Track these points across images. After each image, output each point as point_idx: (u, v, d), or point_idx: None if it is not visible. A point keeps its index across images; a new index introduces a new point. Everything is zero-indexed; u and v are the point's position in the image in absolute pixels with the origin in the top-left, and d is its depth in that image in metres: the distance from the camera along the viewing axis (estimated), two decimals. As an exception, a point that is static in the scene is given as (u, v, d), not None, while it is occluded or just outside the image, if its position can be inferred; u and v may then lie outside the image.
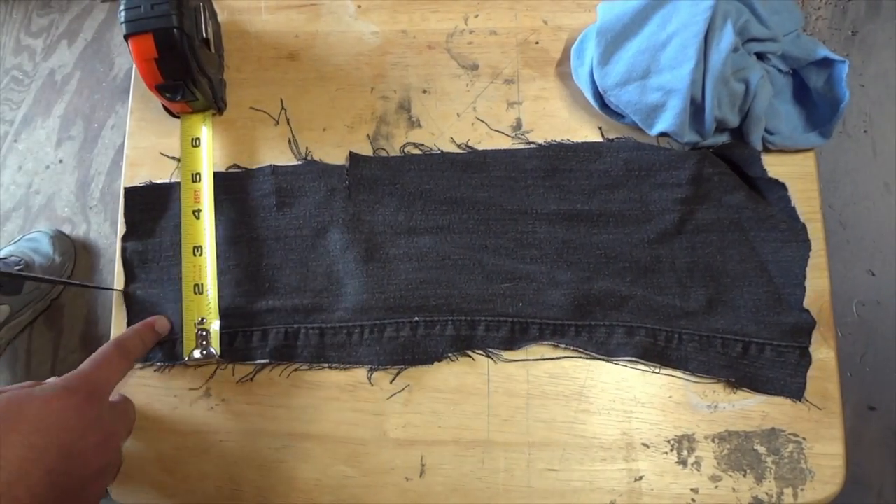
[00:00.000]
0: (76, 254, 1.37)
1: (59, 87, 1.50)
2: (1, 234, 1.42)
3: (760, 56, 0.59)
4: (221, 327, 0.59)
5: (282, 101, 0.65)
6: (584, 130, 0.63)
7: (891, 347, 1.18)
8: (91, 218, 1.42)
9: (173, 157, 0.64)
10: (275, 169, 0.62)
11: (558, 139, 0.62)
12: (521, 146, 0.62)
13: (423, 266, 0.60)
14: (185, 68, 0.56)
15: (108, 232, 1.40)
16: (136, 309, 0.61)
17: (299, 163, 0.63)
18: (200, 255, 0.60)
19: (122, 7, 0.54)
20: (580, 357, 0.58)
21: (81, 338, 1.35)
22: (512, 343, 0.58)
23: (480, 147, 0.63)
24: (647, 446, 0.56)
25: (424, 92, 0.65)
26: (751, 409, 0.57)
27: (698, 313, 0.58)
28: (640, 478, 0.56)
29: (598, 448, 0.56)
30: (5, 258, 1.24)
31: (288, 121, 0.64)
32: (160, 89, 0.57)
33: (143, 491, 0.58)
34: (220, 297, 0.60)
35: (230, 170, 0.63)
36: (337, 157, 0.63)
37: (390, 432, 0.58)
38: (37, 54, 1.53)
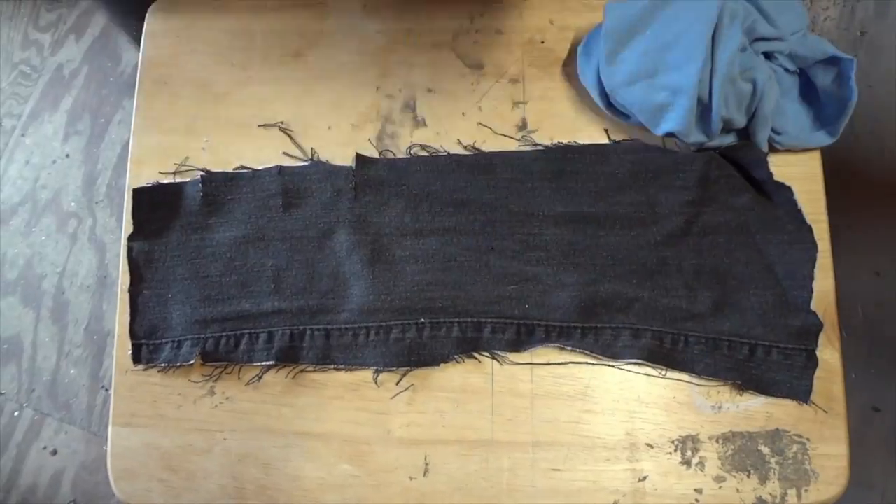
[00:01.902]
0: None
1: (66, 81, 1.50)
2: (7, 228, 1.42)
3: (767, 55, 0.59)
4: (227, 329, 0.60)
5: (281, 124, 0.65)
6: (590, 130, 0.63)
7: (896, 348, 1.17)
8: (97, 213, 1.42)
9: (185, 169, 0.64)
10: (281, 170, 0.63)
11: (564, 139, 0.62)
12: (528, 148, 0.62)
13: (430, 268, 0.60)
14: None
15: (114, 227, 1.40)
16: (141, 309, 0.61)
17: (306, 163, 0.63)
18: None
19: None
20: (585, 361, 0.58)
21: (87, 332, 1.36)
22: (518, 345, 0.58)
23: (486, 147, 0.62)
24: (651, 447, 0.56)
25: (430, 91, 0.65)
26: (755, 409, 0.57)
27: (705, 315, 0.58)
28: (644, 478, 0.56)
29: (602, 448, 0.56)
30: None
31: (290, 135, 0.64)
32: None
33: (146, 489, 0.58)
34: (225, 299, 0.60)
35: (236, 170, 0.63)
36: (342, 156, 0.63)
37: (394, 431, 0.58)
38: (45, 49, 1.53)
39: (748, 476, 0.56)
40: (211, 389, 0.59)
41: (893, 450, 1.13)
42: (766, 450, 0.56)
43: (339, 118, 0.64)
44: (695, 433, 0.56)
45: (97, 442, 1.31)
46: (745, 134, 0.59)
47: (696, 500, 0.55)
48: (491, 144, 0.63)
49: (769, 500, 0.55)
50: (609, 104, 0.61)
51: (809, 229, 0.58)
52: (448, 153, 0.62)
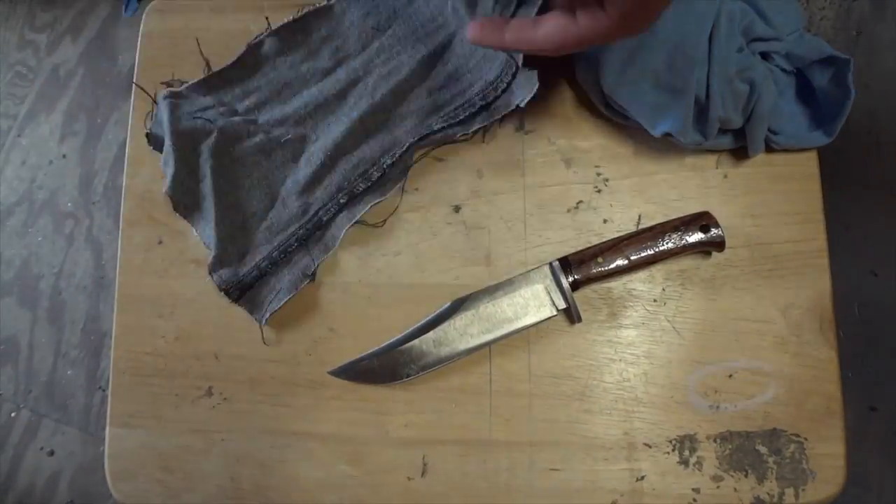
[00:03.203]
0: None
1: (62, 82, 1.50)
2: (3, 229, 1.42)
3: (764, 55, 0.59)
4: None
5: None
6: (588, 131, 0.63)
7: (893, 348, 1.17)
8: (94, 213, 1.42)
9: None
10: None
11: (562, 140, 0.62)
12: None
13: None
14: None
15: (111, 227, 1.40)
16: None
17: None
18: None
19: None
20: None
21: (84, 333, 1.36)
22: None
23: (484, 146, 0.62)
24: (649, 446, 0.56)
25: (427, 91, 0.64)
26: (752, 409, 0.57)
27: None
28: (642, 478, 0.56)
29: (600, 448, 0.57)
30: None
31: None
32: None
33: (144, 489, 0.58)
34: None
35: None
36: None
37: (392, 432, 0.58)
38: (41, 50, 1.53)
39: (746, 476, 0.56)
40: (209, 390, 0.59)
41: (890, 449, 1.14)
42: (763, 449, 0.56)
43: (337, 118, 0.64)
44: (692, 433, 0.57)
45: (94, 443, 1.31)
46: (742, 134, 0.59)
47: (694, 500, 0.55)
48: (488, 144, 0.63)
49: (767, 499, 0.55)
50: (607, 105, 0.61)
51: None
52: None
